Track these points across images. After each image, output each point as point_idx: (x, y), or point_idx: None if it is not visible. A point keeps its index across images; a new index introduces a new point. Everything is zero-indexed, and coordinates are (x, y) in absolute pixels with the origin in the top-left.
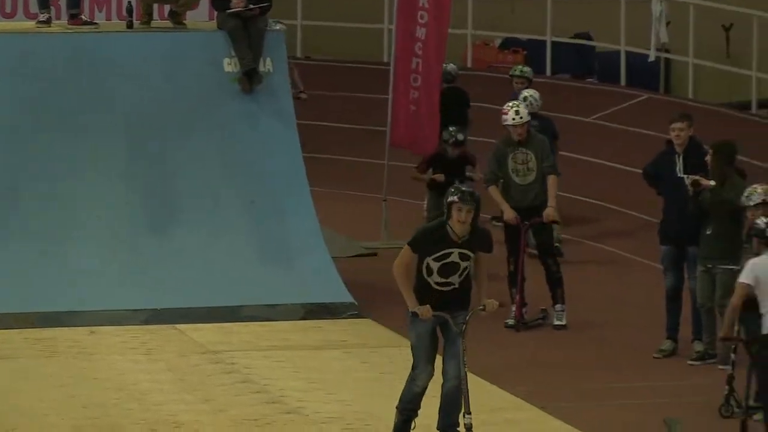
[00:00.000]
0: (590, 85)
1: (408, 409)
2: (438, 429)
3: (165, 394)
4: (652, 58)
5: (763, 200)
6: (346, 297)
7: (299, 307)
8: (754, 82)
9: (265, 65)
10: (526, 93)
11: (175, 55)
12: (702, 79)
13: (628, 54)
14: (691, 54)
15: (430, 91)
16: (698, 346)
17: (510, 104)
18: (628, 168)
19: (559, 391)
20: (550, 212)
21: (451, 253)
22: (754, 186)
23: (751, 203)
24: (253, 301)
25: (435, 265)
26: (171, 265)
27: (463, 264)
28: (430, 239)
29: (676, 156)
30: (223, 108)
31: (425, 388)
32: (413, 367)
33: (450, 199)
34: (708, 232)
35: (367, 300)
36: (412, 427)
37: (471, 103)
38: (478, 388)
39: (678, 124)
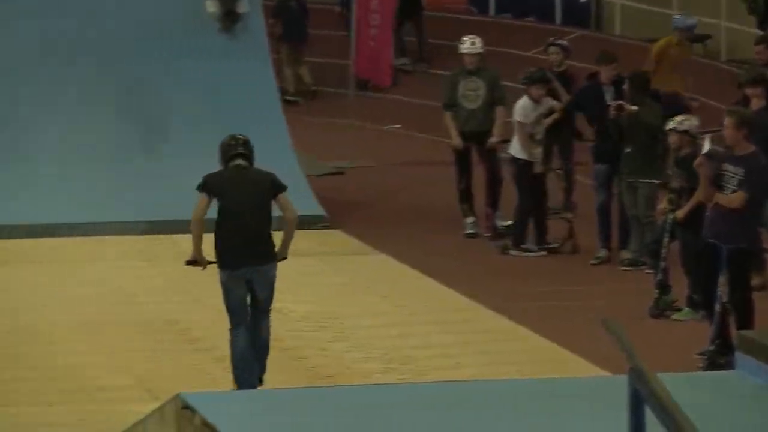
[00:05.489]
0: (529, 23)
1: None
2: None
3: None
4: None
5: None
6: (319, 210)
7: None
8: None
9: (243, 6)
10: None
11: None
12: (628, 17)
13: None
14: None
15: (385, 29)
16: (625, 254)
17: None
18: None
19: (508, 293)
20: (492, 141)
21: None
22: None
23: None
24: None
25: None
26: (161, 183)
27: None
28: None
29: (604, 87)
30: (205, 43)
31: None
32: None
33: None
34: (627, 151)
35: (335, 213)
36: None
37: None
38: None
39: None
